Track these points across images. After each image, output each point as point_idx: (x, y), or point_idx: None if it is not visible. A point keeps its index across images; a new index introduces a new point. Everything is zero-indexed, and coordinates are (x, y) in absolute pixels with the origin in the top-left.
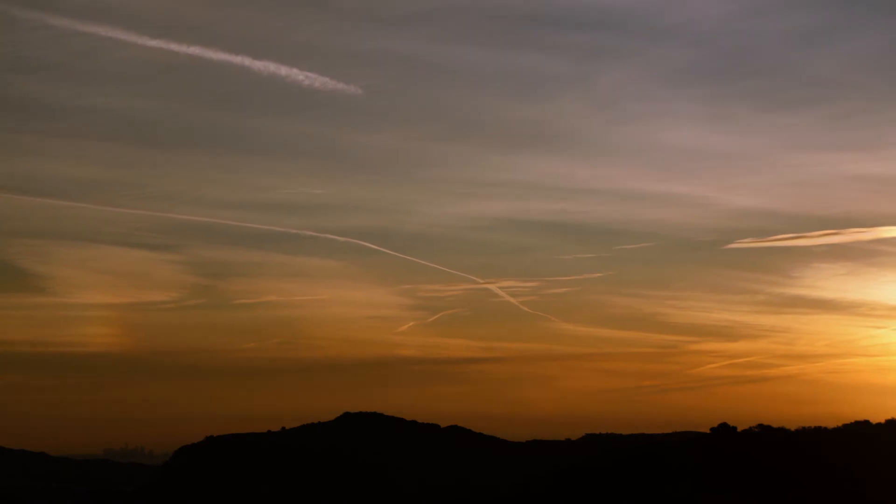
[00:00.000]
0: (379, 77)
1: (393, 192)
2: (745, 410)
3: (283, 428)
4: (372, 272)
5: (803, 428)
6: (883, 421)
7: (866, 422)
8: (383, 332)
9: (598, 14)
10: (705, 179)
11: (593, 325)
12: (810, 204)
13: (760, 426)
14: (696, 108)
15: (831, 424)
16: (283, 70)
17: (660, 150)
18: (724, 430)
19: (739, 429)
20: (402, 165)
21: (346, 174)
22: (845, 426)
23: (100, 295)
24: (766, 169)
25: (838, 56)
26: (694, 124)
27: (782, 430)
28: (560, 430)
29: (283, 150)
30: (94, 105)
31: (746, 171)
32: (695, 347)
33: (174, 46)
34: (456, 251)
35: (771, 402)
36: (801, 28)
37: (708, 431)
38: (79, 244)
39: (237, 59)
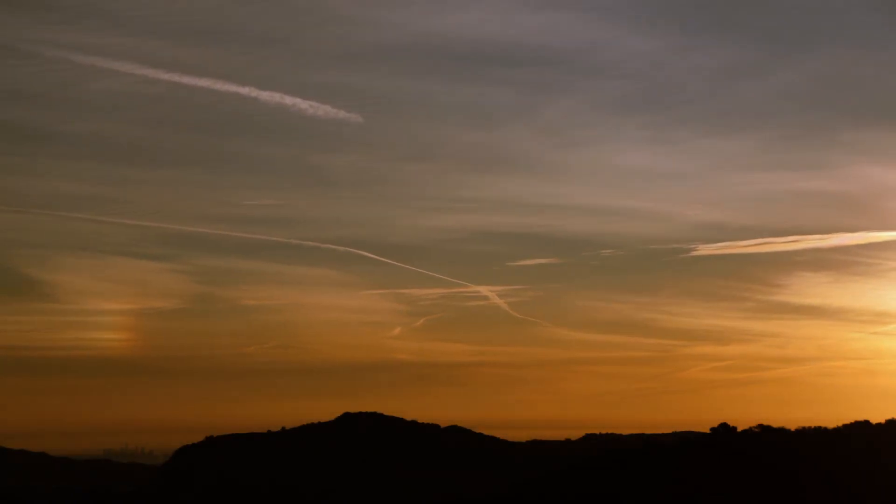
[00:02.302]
0: (355, 106)
1: (375, 208)
2: (742, 411)
3: (283, 428)
4: (366, 280)
5: (803, 428)
6: (883, 421)
7: (866, 422)
8: (377, 337)
9: (536, 53)
10: (658, 196)
11: (581, 329)
12: (762, 216)
13: (760, 426)
14: (637, 133)
15: (830, 424)
16: (288, 99)
17: (610, 171)
18: (724, 431)
19: (739, 429)
20: (378, 184)
21: (333, 192)
22: (845, 426)
23: (102, 302)
24: (713, 186)
25: (761, 88)
26: (637, 148)
27: (782, 430)
28: (557, 433)
29: (277, 170)
30: (96, 129)
31: (695, 189)
32: (686, 351)
33: (185, 80)
34: (438, 261)
35: (766, 403)
36: (724, 63)
37: (707, 431)
38: (81, 254)
39: (244, 90)
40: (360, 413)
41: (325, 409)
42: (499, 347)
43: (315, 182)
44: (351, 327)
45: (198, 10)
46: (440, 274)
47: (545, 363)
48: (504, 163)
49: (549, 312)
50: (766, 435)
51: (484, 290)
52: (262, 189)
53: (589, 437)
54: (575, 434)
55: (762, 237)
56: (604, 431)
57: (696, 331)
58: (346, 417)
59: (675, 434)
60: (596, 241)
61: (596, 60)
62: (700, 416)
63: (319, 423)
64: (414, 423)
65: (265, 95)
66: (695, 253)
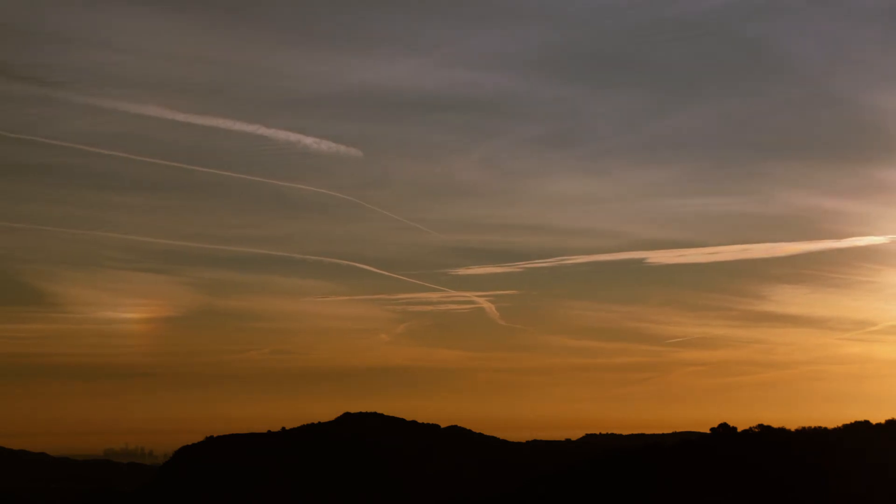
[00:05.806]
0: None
1: (347, 229)
2: (737, 412)
3: (283, 428)
4: (357, 289)
5: (803, 428)
6: (883, 421)
7: (866, 422)
8: (368, 341)
9: (460, 101)
10: (601, 217)
11: (570, 335)
12: (704, 232)
13: (760, 426)
14: (568, 164)
15: (823, 424)
16: (293, 136)
17: (548, 197)
18: (724, 431)
19: (738, 429)
20: (347, 208)
21: (304, 215)
22: (845, 426)
23: (104, 311)
24: (650, 208)
25: (671, 126)
26: (570, 177)
27: (782, 431)
28: (556, 434)
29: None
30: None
31: (633, 211)
32: (676, 357)
33: (197, 120)
34: (412, 271)
35: (759, 404)
36: (632, 106)
37: (707, 432)
38: (85, 268)
39: (251, 128)
40: (361, 413)
41: (323, 412)
42: (489, 353)
43: (285, 206)
44: (342, 333)
45: (163, 68)
46: (421, 282)
47: (535, 366)
48: (451, 190)
49: (533, 319)
50: (765, 435)
51: (470, 295)
52: (241, 212)
53: (589, 438)
54: (575, 434)
55: (710, 246)
56: (604, 432)
57: (679, 336)
58: (346, 417)
59: (674, 434)
60: (553, 253)
61: (516, 106)
62: (696, 417)
63: (319, 423)
64: (414, 423)
65: (269, 132)
66: (649, 262)
